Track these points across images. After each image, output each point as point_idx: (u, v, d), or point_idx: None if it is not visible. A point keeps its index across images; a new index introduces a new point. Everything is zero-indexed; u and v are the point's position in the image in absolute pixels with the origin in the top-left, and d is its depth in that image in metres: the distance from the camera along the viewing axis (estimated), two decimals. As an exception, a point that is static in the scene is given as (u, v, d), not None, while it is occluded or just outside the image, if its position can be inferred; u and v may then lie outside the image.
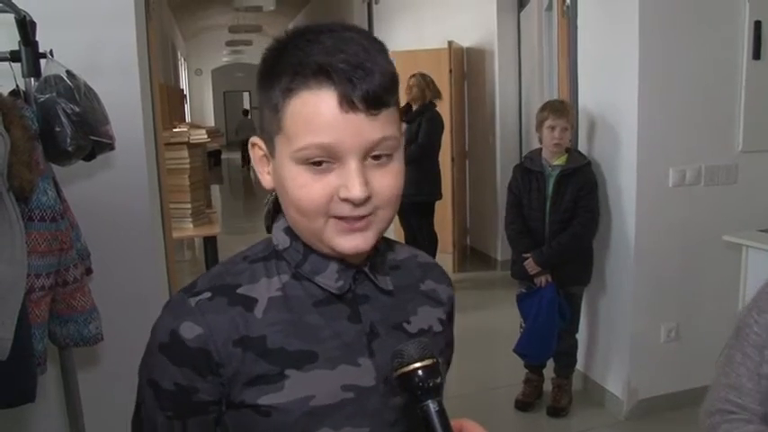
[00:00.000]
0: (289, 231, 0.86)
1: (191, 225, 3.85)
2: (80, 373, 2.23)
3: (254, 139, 0.86)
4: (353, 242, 0.80)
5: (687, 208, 3.12)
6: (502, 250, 5.93)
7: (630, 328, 3.17)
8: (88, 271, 2.15)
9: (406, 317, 0.91)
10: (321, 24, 0.80)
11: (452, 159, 5.68)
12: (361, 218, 0.79)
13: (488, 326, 4.53)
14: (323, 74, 0.75)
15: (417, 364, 0.77)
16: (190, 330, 0.80)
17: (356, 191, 0.76)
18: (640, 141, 3.01)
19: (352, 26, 0.81)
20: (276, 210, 0.90)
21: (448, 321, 1.00)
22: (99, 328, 2.05)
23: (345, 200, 0.77)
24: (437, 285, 0.99)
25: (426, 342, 0.80)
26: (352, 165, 0.76)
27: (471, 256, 6.39)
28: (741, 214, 3.14)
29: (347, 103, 0.74)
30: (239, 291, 0.83)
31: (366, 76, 0.75)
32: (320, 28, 0.79)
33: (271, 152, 0.82)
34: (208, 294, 0.82)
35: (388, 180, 0.80)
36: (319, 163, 0.77)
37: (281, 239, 0.87)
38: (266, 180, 0.85)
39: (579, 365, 3.54)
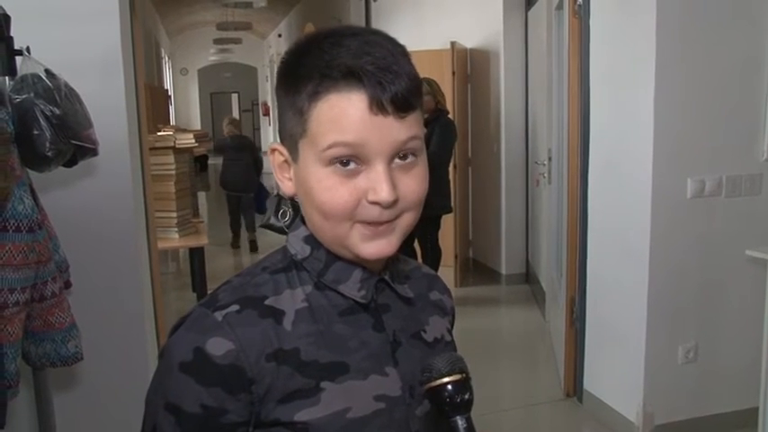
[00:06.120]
0: (309, 240, 0.89)
1: (176, 235, 3.82)
2: (56, 396, 2.19)
3: (275, 145, 0.88)
4: (377, 247, 0.83)
5: (707, 221, 3.10)
6: (506, 264, 5.93)
7: (645, 347, 3.14)
8: (67, 284, 2.12)
9: (422, 326, 0.96)
10: (344, 27, 0.83)
11: (455, 167, 5.66)
12: (386, 222, 0.82)
13: (493, 344, 4.51)
14: (352, 76, 0.78)
15: (446, 379, 0.80)
16: (219, 346, 0.80)
17: (385, 193, 0.79)
18: (656, 149, 2.99)
19: (376, 30, 0.85)
20: (296, 215, 0.94)
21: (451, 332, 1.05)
22: (78, 347, 2.03)
23: (374, 203, 0.80)
24: (441, 296, 1.04)
25: (456, 356, 0.84)
26: (380, 167, 0.80)
27: (474, 269, 6.38)
28: (765, 227, 3.11)
29: (377, 105, 0.78)
30: (267, 302, 0.85)
31: (395, 79, 0.78)
32: (343, 31, 0.82)
33: (293, 157, 0.85)
34: (236, 307, 0.83)
35: (415, 184, 0.83)
36: (346, 163, 0.79)
37: (299, 249, 0.90)
38: (287, 186, 0.88)
39: (587, 384, 3.51)
